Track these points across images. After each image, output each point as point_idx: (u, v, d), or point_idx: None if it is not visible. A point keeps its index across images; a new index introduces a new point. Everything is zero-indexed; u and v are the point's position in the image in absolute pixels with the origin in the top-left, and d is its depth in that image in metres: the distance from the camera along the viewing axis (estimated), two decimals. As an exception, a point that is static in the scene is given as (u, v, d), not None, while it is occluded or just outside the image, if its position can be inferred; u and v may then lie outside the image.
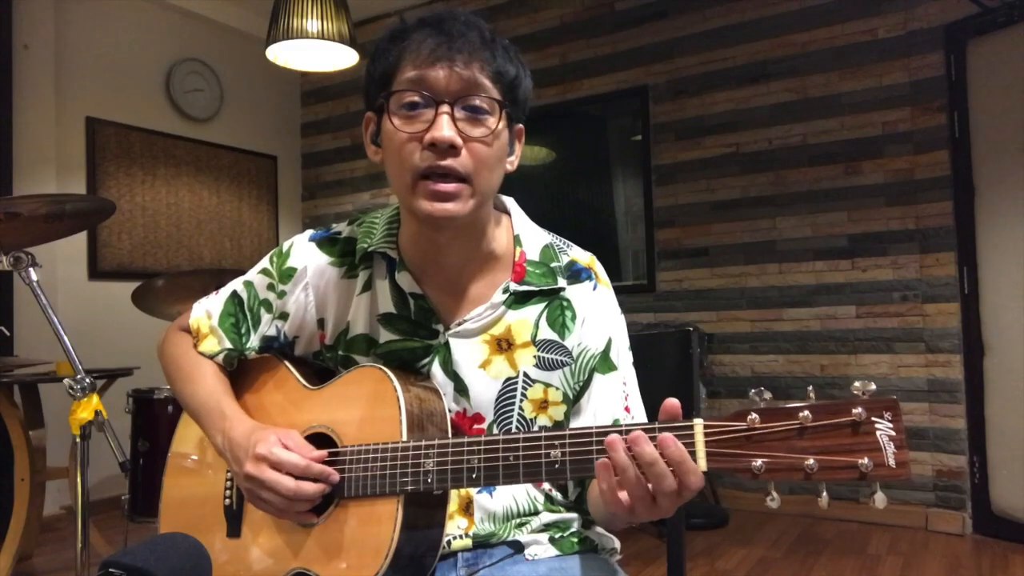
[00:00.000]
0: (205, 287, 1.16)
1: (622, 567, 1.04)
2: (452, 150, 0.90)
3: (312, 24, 2.80)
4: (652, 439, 0.77)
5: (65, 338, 1.66)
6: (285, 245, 1.09)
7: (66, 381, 1.59)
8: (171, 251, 4.37)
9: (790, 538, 3.23)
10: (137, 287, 2.53)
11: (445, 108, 0.90)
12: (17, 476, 2.80)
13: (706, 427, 0.78)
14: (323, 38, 2.82)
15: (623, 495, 0.78)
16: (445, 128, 0.89)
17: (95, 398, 1.60)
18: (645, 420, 1.06)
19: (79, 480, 1.65)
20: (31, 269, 1.66)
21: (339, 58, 3.03)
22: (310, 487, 0.91)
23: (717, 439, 0.77)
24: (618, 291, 1.10)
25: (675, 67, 3.95)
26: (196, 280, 2.52)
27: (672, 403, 0.79)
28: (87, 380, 1.59)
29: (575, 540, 1.03)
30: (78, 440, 1.60)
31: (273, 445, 0.92)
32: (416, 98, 0.91)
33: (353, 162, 5.03)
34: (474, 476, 0.87)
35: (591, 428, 0.83)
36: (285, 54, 3.01)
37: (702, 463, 0.77)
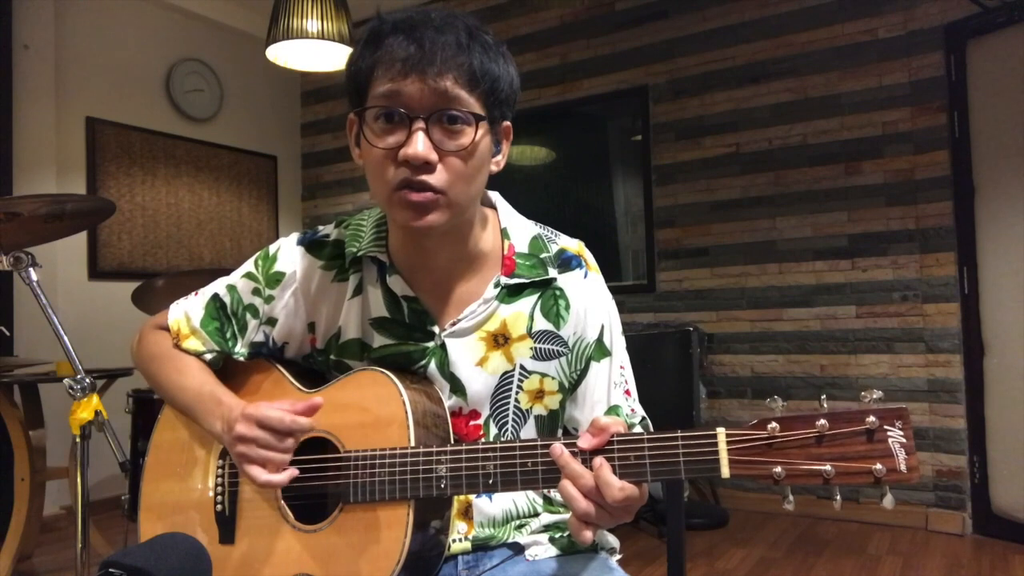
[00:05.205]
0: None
1: (622, 567, 1.03)
2: (427, 166, 0.88)
3: (312, 24, 2.80)
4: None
5: (65, 338, 1.66)
6: (272, 248, 1.08)
7: (66, 381, 1.59)
8: (171, 251, 4.37)
9: (790, 538, 3.23)
10: (137, 287, 2.54)
11: (419, 124, 0.88)
12: (17, 476, 2.80)
13: (728, 435, 0.80)
14: (323, 38, 2.82)
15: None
16: (419, 145, 0.87)
17: (95, 398, 1.60)
18: (638, 403, 1.07)
19: (79, 480, 1.65)
20: (31, 269, 1.66)
21: (339, 58, 3.03)
22: (306, 421, 0.91)
23: (739, 447, 0.80)
24: (618, 291, 1.10)
25: (675, 67, 3.94)
26: (196, 280, 2.49)
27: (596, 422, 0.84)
28: (87, 380, 1.58)
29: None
30: (78, 440, 1.60)
31: (260, 407, 0.92)
32: (390, 113, 0.89)
33: (353, 162, 5.02)
34: (491, 482, 0.87)
35: (611, 433, 0.83)
36: (285, 54, 3.01)
37: (725, 470, 0.79)
